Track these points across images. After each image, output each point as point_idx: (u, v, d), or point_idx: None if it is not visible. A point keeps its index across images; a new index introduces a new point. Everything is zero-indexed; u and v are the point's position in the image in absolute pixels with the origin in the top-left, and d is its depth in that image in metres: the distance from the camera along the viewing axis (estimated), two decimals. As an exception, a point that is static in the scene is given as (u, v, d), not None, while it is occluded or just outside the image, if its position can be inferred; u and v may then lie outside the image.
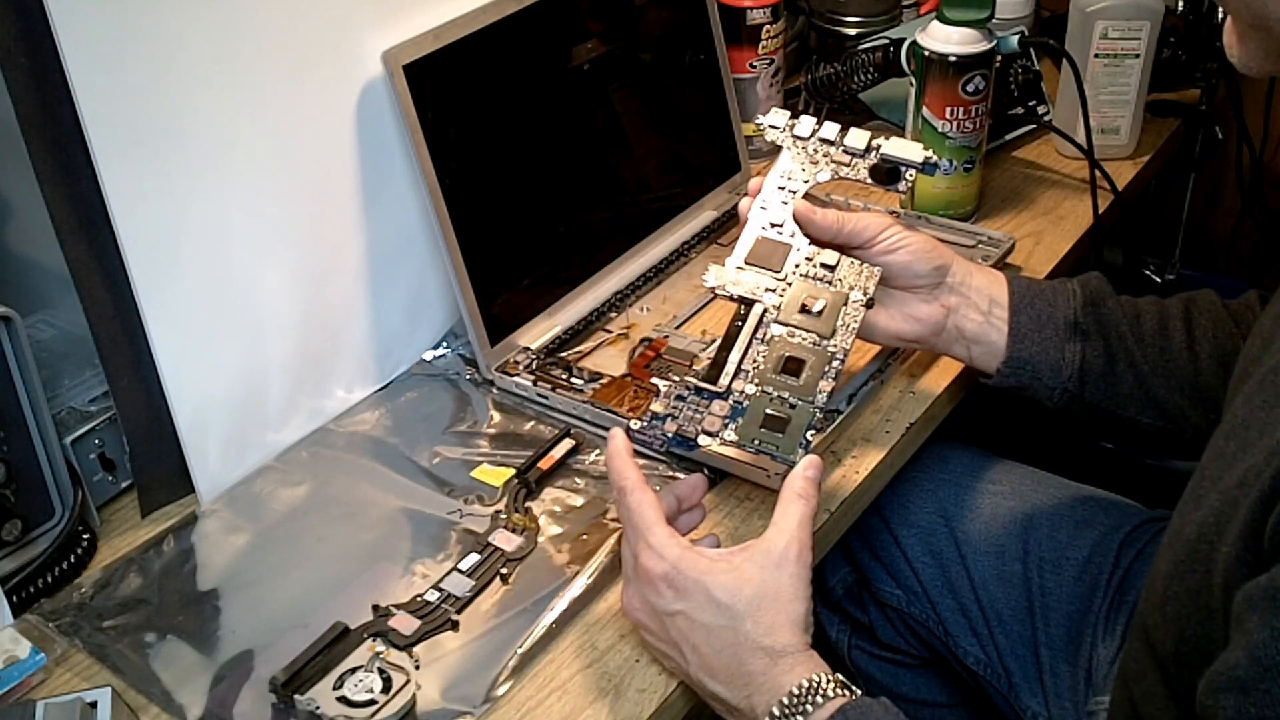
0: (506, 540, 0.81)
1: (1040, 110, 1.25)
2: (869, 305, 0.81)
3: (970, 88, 1.06)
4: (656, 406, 0.78)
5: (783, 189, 0.85)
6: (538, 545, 0.82)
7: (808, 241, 0.83)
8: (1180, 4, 1.21)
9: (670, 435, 0.77)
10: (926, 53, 1.06)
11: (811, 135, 0.87)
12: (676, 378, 0.78)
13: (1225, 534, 0.57)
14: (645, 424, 0.77)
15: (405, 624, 0.75)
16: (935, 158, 0.85)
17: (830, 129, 0.86)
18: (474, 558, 0.80)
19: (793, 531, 0.69)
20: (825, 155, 0.86)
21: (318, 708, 0.69)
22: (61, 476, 0.81)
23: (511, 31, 0.95)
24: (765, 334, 0.80)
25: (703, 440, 0.77)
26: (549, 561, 0.80)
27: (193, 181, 0.81)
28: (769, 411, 0.77)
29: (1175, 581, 0.62)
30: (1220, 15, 1.19)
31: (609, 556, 0.80)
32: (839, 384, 0.79)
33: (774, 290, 0.81)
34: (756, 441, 0.76)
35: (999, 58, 1.09)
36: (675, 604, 0.68)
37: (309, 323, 0.91)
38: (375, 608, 0.76)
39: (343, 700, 0.69)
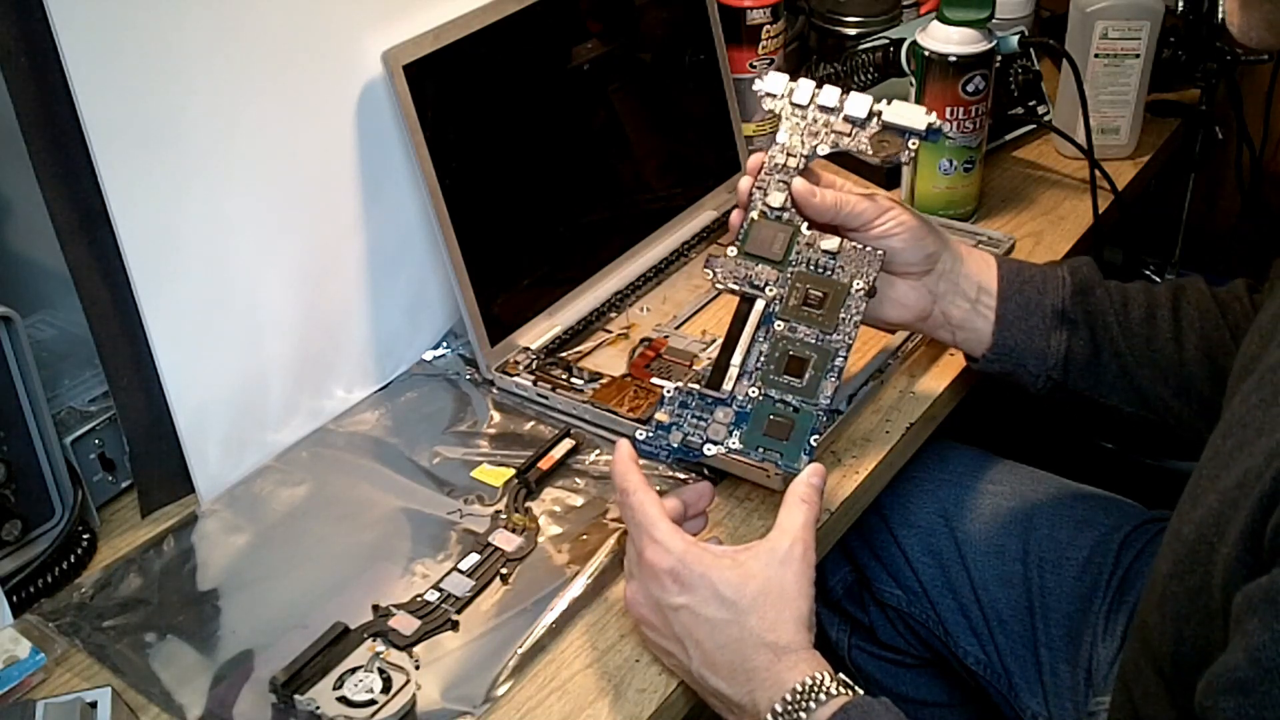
0: (506, 540, 0.81)
1: (1040, 110, 1.25)
2: (871, 294, 0.80)
3: (970, 88, 1.06)
4: (661, 415, 0.77)
5: (781, 166, 0.83)
6: (538, 545, 0.81)
7: (807, 225, 0.82)
8: (1180, 4, 1.21)
9: (675, 446, 0.77)
10: (926, 53, 1.06)
11: (810, 102, 0.83)
12: (680, 383, 0.78)
13: (1225, 535, 0.56)
14: (651, 434, 0.77)
15: (405, 624, 0.75)
16: (939, 123, 0.82)
17: (830, 94, 0.83)
18: (474, 558, 0.80)
19: (797, 532, 0.69)
20: (825, 125, 0.83)
21: (318, 708, 0.69)
22: (61, 476, 0.81)
23: (511, 31, 0.95)
24: (768, 331, 0.79)
25: (708, 449, 0.76)
26: (549, 561, 0.80)
27: (193, 181, 0.81)
28: (772, 417, 0.76)
29: (1174, 582, 0.61)
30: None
31: (609, 556, 0.80)
32: (842, 381, 0.78)
33: (775, 282, 0.80)
34: (761, 450, 0.76)
35: (999, 58, 1.09)
36: (679, 598, 0.68)
37: (309, 323, 0.91)
38: (375, 608, 0.76)
39: (343, 700, 0.69)
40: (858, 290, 0.79)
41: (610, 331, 1.01)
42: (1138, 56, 1.17)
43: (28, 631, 0.75)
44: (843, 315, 0.79)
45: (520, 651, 0.74)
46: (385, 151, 0.92)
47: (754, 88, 0.86)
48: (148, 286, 0.79)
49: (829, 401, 0.77)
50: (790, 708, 0.64)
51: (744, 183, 0.84)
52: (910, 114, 0.82)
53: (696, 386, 0.78)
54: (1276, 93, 1.35)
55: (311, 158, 0.88)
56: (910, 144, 0.82)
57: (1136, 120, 1.22)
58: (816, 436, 0.76)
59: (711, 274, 0.81)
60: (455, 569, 0.79)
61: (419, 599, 0.77)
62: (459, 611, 0.76)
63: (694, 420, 0.77)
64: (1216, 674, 0.54)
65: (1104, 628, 0.91)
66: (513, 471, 0.87)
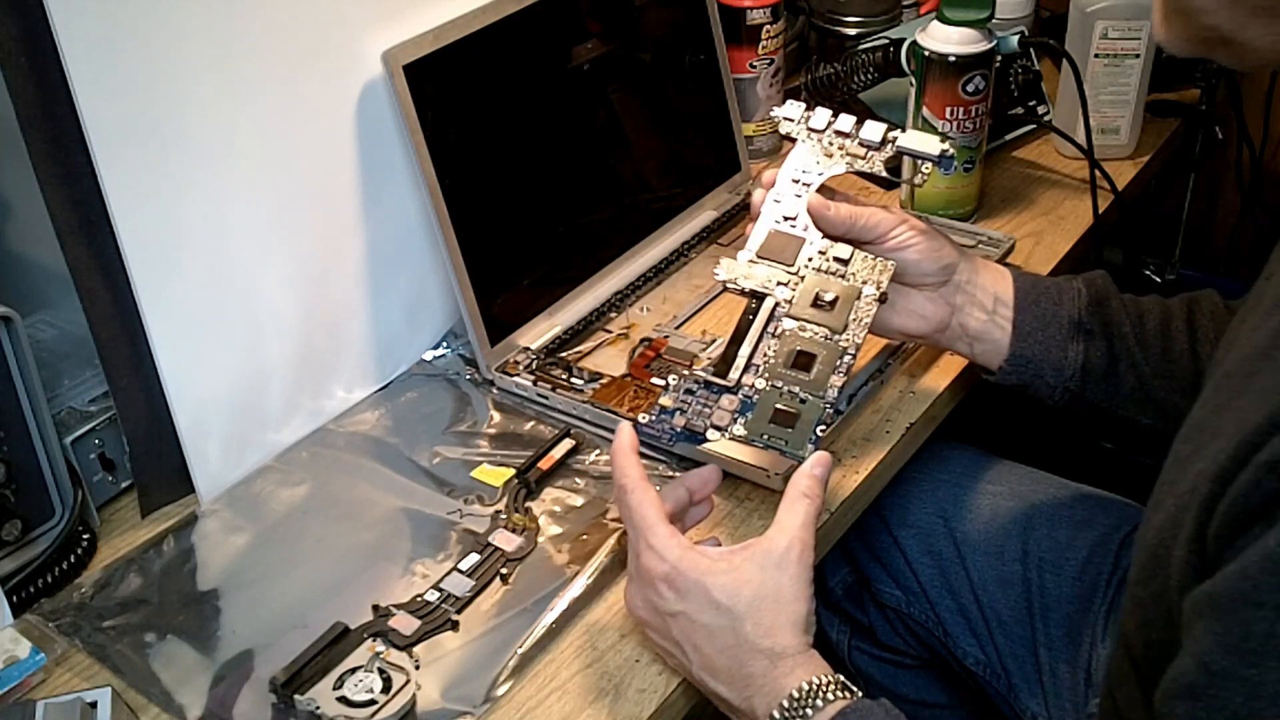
0: (506, 540, 0.81)
1: (1040, 110, 1.25)
2: (882, 300, 0.80)
3: (970, 88, 1.06)
4: (665, 400, 0.77)
5: (796, 181, 0.84)
6: (538, 545, 0.82)
7: (820, 235, 0.82)
8: (1180, 4, 1.21)
9: (678, 430, 0.77)
10: (926, 53, 1.06)
11: (827, 127, 0.86)
12: (686, 372, 0.78)
13: (1179, 539, 0.57)
14: (654, 418, 0.77)
15: (405, 624, 0.75)
16: (952, 150, 0.83)
17: (846, 121, 0.85)
18: (474, 558, 0.80)
19: (795, 531, 0.68)
20: (840, 148, 0.85)
21: (318, 708, 0.69)
22: (61, 476, 0.81)
23: (511, 31, 0.95)
24: (777, 328, 0.79)
25: (711, 435, 0.76)
26: (549, 561, 0.80)
27: (193, 181, 0.81)
28: (779, 406, 0.77)
29: (1139, 588, 0.62)
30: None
31: (609, 556, 0.80)
32: (850, 379, 0.78)
33: (786, 284, 0.81)
34: (765, 436, 0.76)
35: (999, 58, 1.09)
36: (676, 605, 0.68)
37: (309, 323, 0.91)
38: (375, 608, 0.76)
39: (343, 700, 0.69)
40: (869, 295, 0.80)
41: (610, 331, 1.01)
42: (1138, 56, 1.17)
43: (28, 631, 0.75)
44: (852, 317, 0.79)
45: (520, 651, 0.74)
46: (385, 151, 0.92)
47: (771, 114, 0.88)
48: (148, 286, 0.79)
49: (836, 395, 0.77)
50: (788, 713, 0.64)
51: (758, 195, 0.84)
52: (924, 141, 0.84)
53: (703, 374, 0.78)
54: (1276, 93, 1.35)
55: (311, 158, 0.88)
56: (924, 169, 0.84)
57: (1136, 120, 1.22)
58: (823, 428, 0.76)
59: (721, 275, 0.81)
60: (455, 569, 0.79)
61: (419, 599, 0.77)
62: (459, 611, 0.76)
63: (698, 407, 0.77)
64: (1170, 679, 0.54)
65: (1103, 628, 0.91)
66: (513, 471, 0.87)
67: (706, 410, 0.77)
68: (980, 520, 0.98)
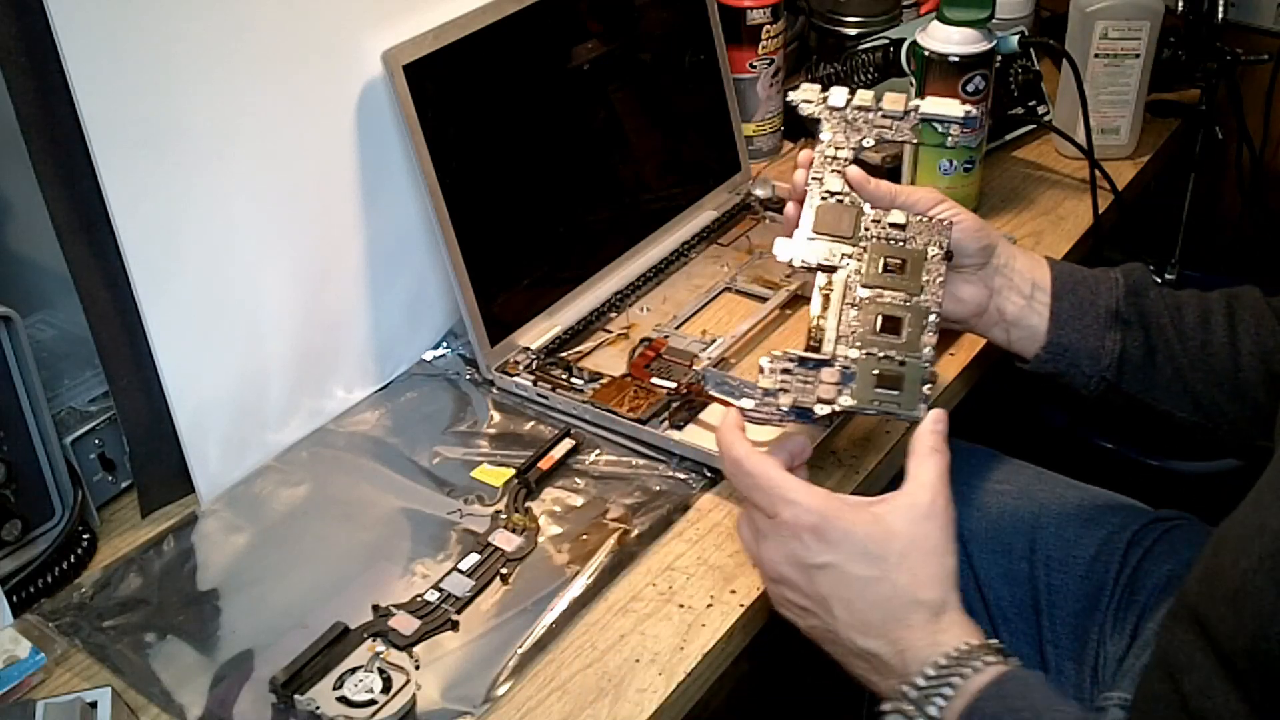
0: (506, 540, 0.81)
1: (1040, 110, 1.25)
2: (949, 257, 0.80)
3: (970, 88, 1.06)
4: (765, 383, 0.76)
5: (832, 159, 0.85)
6: (538, 545, 0.81)
7: (869, 205, 0.83)
8: (1180, 4, 1.21)
9: (786, 409, 0.76)
10: (926, 53, 1.06)
11: (846, 104, 0.86)
12: (777, 352, 0.77)
13: None
14: (758, 402, 0.76)
15: (405, 624, 0.75)
16: (975, 110, 0.85)
17: (865, 96, 0.86)
18: (474, 558, 0.80)
19: (935, 485, 0.68)
20: (866, 121, 0.86)
21: (318, 708, 0.69)
22: (61, 476, 0.81)
23: (511, 31, 0.95)
24: (853, 298, 0.79)
25: (820, 409, 0.75)
26: (549, 561, 0.80)
27: (193, 181, 0.81)
28: (878, 371, 0.76)
29: (1260, 576, 0.59)
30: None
31: (609, 556, 0.80)
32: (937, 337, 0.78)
33: (850, 255, 0.81)
34: (876, 403, 0.75)
35: (999, 58, 1.09)
36: (824, 555, 0.67)
37: (309, 323, 0.91)
38: (375, 608, 0.76)
39: (343, 700, 0.69)
40: (934, 254, 0.80)
41: (610, 331, 1.01)
42: (1138, 56, 1.17)
43: (28, 631, 0.75)
44: (925, 278, 0.80)
45: (520, 651, 0.74)
46: (385, 151, 0.92)
47: (788, 99, 0.90)
48: (148, 286, 0.79)
49: (933, 354, 0.77)
50: (945, 672, 0.63)
51: (799, 175, 0.85)
52: (946, 105, 0.86)
53: (796, 351, 0.77)
54: (1276, 93, 1.35)
55: (312, 158, 0.88)
56: (952, 130, 0.86)
57: (1136, 120, 1.22)
58: (929, 386, 0.75)
59: (781, 255, 0.81)
60: (455, 569, 0.79)
61: (419, 599, 0.77)
62: (459, 611, 0.76)
63: (800, 384, 0.76)
64: None
65: (1112, 626, 0.91)
66: (513, 471, 0.87)
67: (809, 385, 0.76)
68: (988, 518, 0.98)
